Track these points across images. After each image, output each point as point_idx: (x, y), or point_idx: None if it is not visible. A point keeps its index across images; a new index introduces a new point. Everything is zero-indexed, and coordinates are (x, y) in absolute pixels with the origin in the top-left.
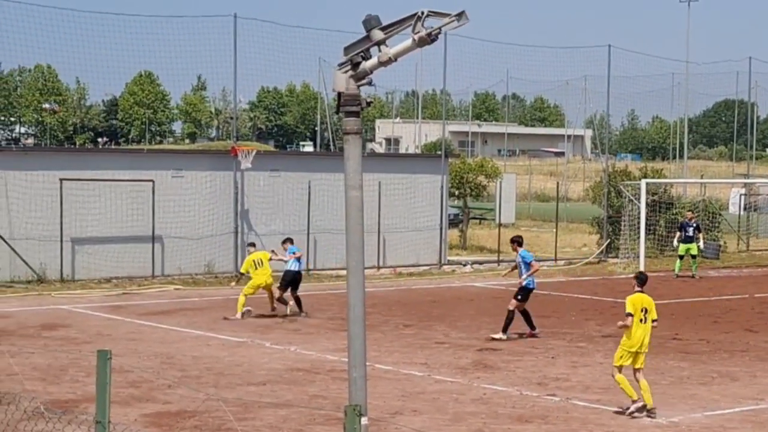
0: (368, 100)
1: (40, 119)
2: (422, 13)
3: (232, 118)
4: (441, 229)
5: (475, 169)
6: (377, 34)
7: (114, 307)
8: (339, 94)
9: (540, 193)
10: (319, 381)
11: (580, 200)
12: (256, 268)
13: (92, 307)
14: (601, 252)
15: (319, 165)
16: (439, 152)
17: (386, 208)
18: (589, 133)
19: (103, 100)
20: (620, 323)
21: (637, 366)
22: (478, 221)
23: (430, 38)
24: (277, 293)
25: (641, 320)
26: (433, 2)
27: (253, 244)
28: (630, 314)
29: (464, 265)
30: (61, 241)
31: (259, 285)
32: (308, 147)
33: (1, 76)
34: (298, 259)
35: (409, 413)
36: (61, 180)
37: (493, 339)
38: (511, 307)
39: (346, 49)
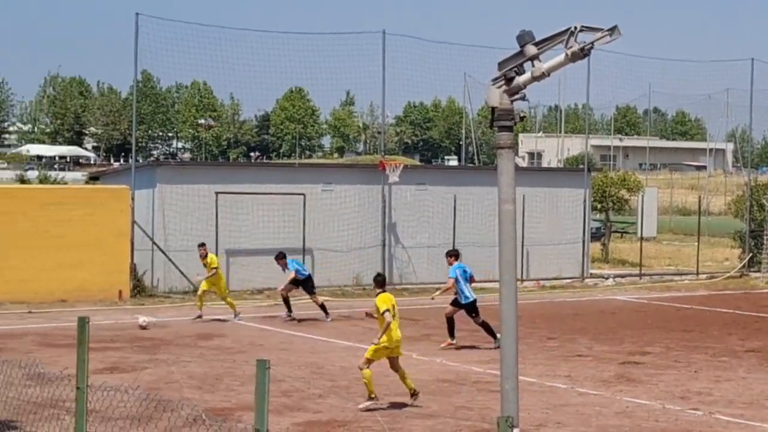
0: (521, 114)
1: (196, 134)
2: (575, 28)
3: (379, 132)
4: (583, 242)
5: (617, 182)
6: (531, 50)
7: (266, 318)
8: (492, 109)
9: (681, 206)
10: (465, 392)
11: (721, 214)
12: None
13: (245, 318)
14: (743, 266)
15: (464, 179)
16: (582, 166)
17: (529, 221)
18: (730, 146)
19: (255, 116)
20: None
21: (394, 355)
22: (620, 235)
23: (582, 53)
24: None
25: (394, 316)
26: (583, 17)
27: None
28: (388, 310)
29: (606, 279)
30: (216, 252)
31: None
32: (453, 161)
33: (159, 93)
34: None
35: (553, 425)
36: (216, 193)
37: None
38: (478, 321)
39: (500, 64)
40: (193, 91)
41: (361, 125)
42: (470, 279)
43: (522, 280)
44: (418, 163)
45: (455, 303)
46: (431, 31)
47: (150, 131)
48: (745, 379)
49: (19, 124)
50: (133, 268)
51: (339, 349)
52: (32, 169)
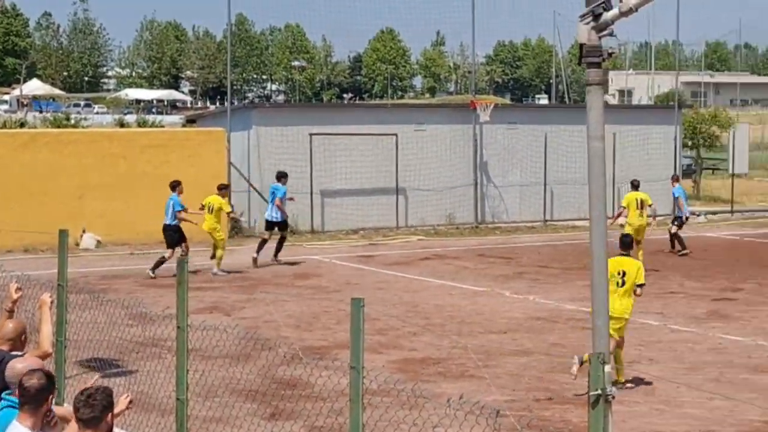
0: (610, 50)
1: (289, 77)
2: None
3: (470, 72)
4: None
5: (708, 119)
6: None
7: (361, 258)
8: (581, 46)
9: None
10: (558, 330)
11: None
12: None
13: (341, 258)
14: None
15: (554, 117)
16: (672, 103)
17: (620, 159)
18: None
19: (348, 57)
20: None
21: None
22: (711, 171)
23: None
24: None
25: (618, 284)
26: None
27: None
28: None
29: (698, 216)
30: (311, 193)
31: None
32: (543, 100)
33: (253, 36)
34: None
35: (646, 362)
36: (310, 135)
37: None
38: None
39: (588, 0)
40: (287, 34)
41: (451, 65)
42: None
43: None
44: (509, 102)
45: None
46: None
47: (245, 74)
48: None
49: (118, 69)
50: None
51: (432, 288)
52: (131, 113)
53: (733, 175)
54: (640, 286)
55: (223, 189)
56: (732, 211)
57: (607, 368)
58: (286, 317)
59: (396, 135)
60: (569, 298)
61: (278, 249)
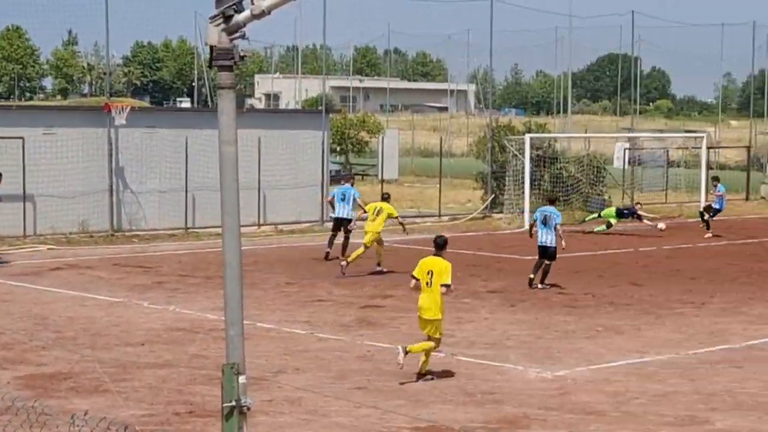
0: (242, 53)
1: None
2: None
3: (105, 73)
4: (322, 186)
5: (357, 124)
6: None
7: None
8: (211, 48)
9: (423, 148)
10: (199, 340)
11: (464, 155)
12: None
13: None
14: (486, 207)
15: (196, 121)
16: (320, 108)
17: (266, 164)
18: (472, 87)
19: None
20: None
21: (425, 332)
22: (360, 177)
23: None
24: None
25: (427, 284)
26: None
27: None
28: (414, 277)
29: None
30: None
31: None
32: (185, 103)
33: None
34: None
35: (292, 372)
36: None
37: None
38: None
39: (218, 2)
40: None
41: (85, 66)
42: None
43: (260, 225)
44: (148, 105)
45: None
46: None
47: None
48: (487, 319)
49: None
50: None
51: (64, 299)
52: None
53: (382, 180)
54: (446, 286)
55: None
56: None
57: (242, 379)
58: None
59: (22, 138)
60: (211, 308)
61: None
